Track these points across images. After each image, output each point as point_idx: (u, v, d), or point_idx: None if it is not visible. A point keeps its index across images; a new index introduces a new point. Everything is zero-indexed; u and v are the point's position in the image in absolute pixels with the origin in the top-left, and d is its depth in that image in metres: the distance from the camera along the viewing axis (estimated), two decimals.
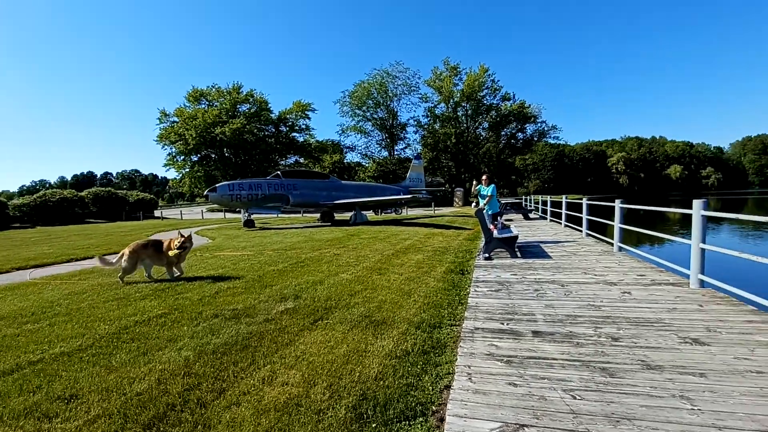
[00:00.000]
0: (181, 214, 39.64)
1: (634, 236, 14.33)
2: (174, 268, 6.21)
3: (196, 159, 46.37)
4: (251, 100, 47.63)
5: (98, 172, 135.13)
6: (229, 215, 35.87)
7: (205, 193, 17.66)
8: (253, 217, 18.37)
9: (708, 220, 4.79)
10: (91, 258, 9.44)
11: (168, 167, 46.65)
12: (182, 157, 45.73)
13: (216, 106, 46.24)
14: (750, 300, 3.78)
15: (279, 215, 27.78)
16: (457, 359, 2.96)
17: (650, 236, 6.46)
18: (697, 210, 4.61)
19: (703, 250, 4.61)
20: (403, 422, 2.24)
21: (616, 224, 7.48)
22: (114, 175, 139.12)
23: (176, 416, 2.33)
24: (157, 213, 45.92)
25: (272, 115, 48.86)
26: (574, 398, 2.32)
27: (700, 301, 4.11)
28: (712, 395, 2.28)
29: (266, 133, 49.34)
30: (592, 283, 5.15)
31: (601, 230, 9.70)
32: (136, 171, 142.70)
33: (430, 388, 2.59)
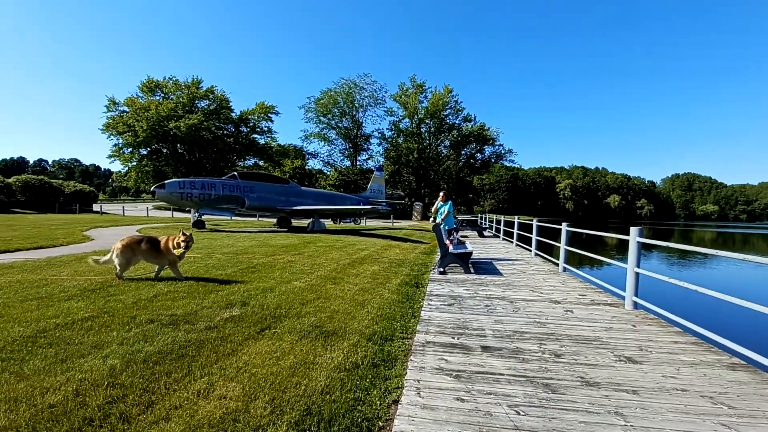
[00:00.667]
0: (123, 209, 36.83)
1: (578, 258, 15.25)
2: (170, 268, 5.90)
3: (145, 153, 43.46)
4: (211, 96, 45.71)
5: (31, 159, 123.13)
6: (177, 214, 33.92)
7: (151, 189, 16.55)
8: (204, 218, 17.47)
9: (642, 247, 5.18)
10: (13, 252, 8.46)
11: (113, 159, 43.21)
12: (130, 150, 42.64)
13: (172, 99, 43.86)
14: (676, 322, 4.09)
15: (233, 218, 26.72)
16: (407, 373, 2.92)
17: (592, 259, 6.90)
18: (634, 237, 4.97)
19: (637, 274, 4.96)
20: None
21: (562, 246, 7.91)
22: (50, 163, 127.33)
23: None
24: (96, 207, 42.42)
25: (233, 115, 47.17)
26: (518, 414, 2.35)
27: (633, 322, 4.40)
28: (643, 412, 2.40)
29: (225, 132, 47.47)
30: (539, 300, 5.36)
31: (548, 251, 10.21)
32: (76, 160, 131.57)
33: (378, 402, 2.52)
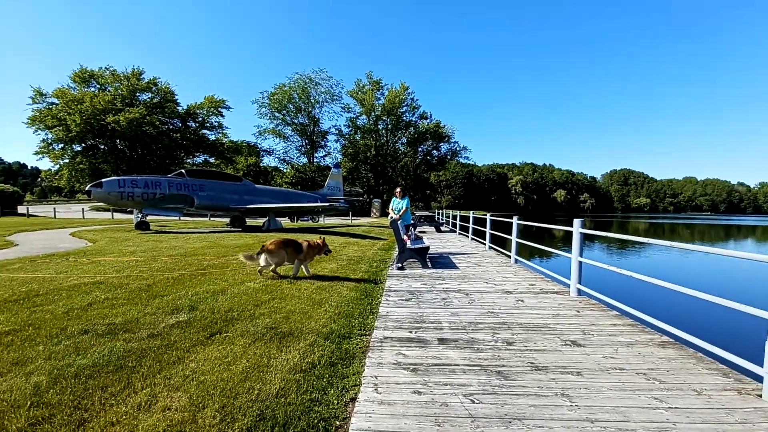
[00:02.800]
0: (54, 211, 33.57)
1: (528, 250, 16.03)
2: (306, 267, 6.57)
3: (79, 149, 39.85)
4: (154, 88, 42.80)
5: None
6: (117, 215, 31.54)
7: (86, 188, 15.20)
8: (148, 218, 16.35)
9: (585, 238, 5.52)
10: None
11: (41, 156, 39.18)
12: (61, 146, 38.93)
13: (110, 91, 40.54)
14: (614, 306, 4.41)
15: (181, 218, 25.35)
16: (364, 370, 2.90)
17: (541, 250, 7.27)
18: (577, 228, 5.28)
19: (580, 263, 5.28)
20: None
21: (513, 239, 8.26)
22: None
23: None
24: (22, 209, 38.29)
25: (179, 108, 44.46)
26: (473, 402, 2.41)
27: (577, 308, 4.68)
28: (587, 392, 2.55)
29: (171, 127, 44.65)
30: (492, 291, 5.55)
31: (501, 244, 10.63)
32: None
33: (335, 401, 2.47)
